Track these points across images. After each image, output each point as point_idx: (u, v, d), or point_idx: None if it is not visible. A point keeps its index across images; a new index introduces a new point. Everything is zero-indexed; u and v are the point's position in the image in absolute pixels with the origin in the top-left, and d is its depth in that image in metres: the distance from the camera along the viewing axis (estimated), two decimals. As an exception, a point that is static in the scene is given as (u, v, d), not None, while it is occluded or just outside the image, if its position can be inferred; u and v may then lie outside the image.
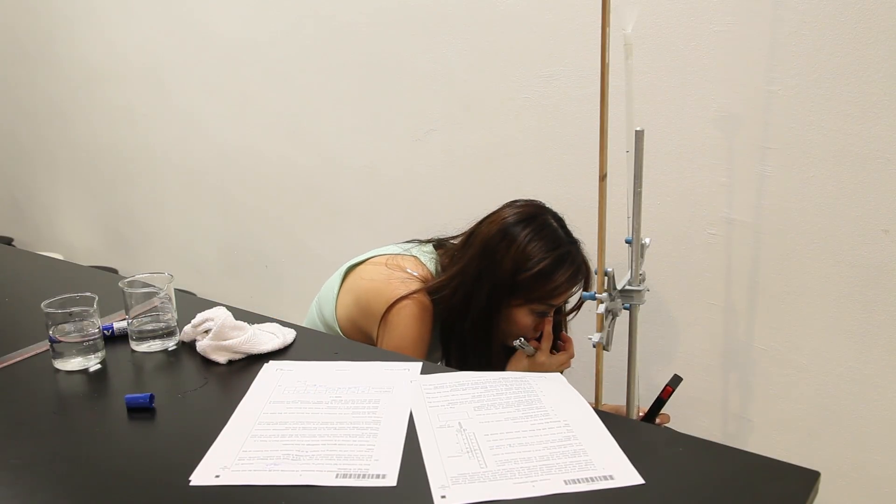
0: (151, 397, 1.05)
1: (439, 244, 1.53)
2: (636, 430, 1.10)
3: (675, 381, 1.36)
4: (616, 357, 1.41)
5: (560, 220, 1.44)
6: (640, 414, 1.45)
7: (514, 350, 1.46)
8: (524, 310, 1.39)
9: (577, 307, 1.51)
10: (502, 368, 1.44)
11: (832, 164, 1.49)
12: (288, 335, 1.26)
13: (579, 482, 0.86)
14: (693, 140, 1.65)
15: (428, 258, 1.49)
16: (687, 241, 1.71)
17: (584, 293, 1.34)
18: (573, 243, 1.42)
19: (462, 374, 1.14)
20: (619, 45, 1.31)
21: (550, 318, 1.43)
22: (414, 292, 1.40)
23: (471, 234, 1.45)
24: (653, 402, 1.39)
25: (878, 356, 1.54)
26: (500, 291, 1.38)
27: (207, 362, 1.19)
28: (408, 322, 1.38)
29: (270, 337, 1.23)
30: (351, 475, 0.88)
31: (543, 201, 1.47)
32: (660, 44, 1.63)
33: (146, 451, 0.97)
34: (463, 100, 1.99)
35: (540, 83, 1.84)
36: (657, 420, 1.42)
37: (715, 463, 0.93)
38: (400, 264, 1.45)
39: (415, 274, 1.43)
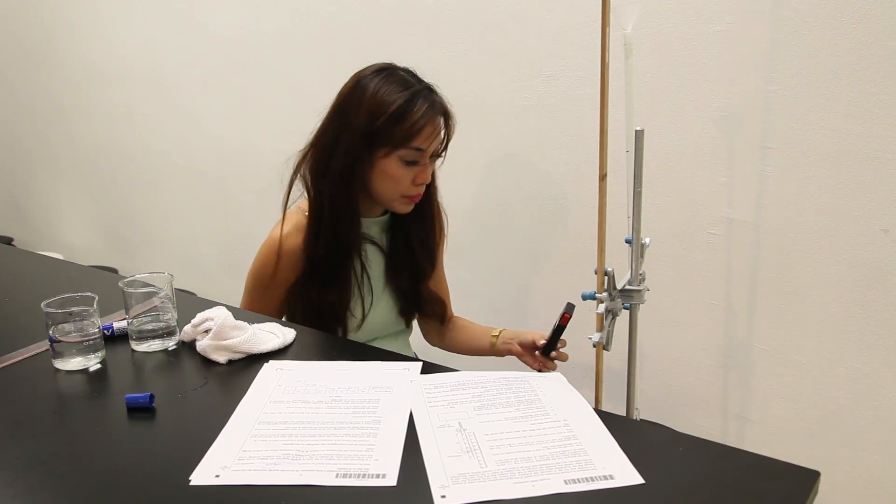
0: (151, 397, 1.05)
1: None
2: (636, 430, 1.10)
3: (570, 307, 1.29)
4: (616, 357, 1.41)
5: (410, 71, 1.42)
6: (540, 343, 1.36)
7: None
8: (392, 159, 1.36)
9: (445, 148, 1.44)
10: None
11: (832, 164, 1.49)
12: (288, 335, 1.26)
13: (579, 482, 0.87)
14: (693, 140, 1.65)
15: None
16: (687, 241, 1.71)
17: (584, 293, 1.33)
18: (426, 86, 1.40)
19: (462, 373, 1.14)
20: (619, 45, 1.31)
21: (427, 168, 1.40)
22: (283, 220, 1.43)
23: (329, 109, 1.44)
24: (552, 331, 1.32)
25: (878, 356, 1.54)
26: (359, 144, 1.35)
27: (207, 362, 1.19)
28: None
29: (270, 337, 1.23)
30: (351, 475, 0.88)
31: None
32: (660, 44, 1.64)
33: (146, 451, 0.97)
34: (463, 100, 1.99)
35: (540, 83, 1.84)
36: (554, 353, 1.34)
37: (715, 463, 0.93)
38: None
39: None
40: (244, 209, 2.66)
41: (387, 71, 1.39)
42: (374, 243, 1.48)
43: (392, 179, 1.38)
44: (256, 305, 1.46)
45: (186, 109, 2.72)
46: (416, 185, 1.40)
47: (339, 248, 1.41)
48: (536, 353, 1.35)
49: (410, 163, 1.37)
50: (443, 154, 1.44)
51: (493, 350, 1.49)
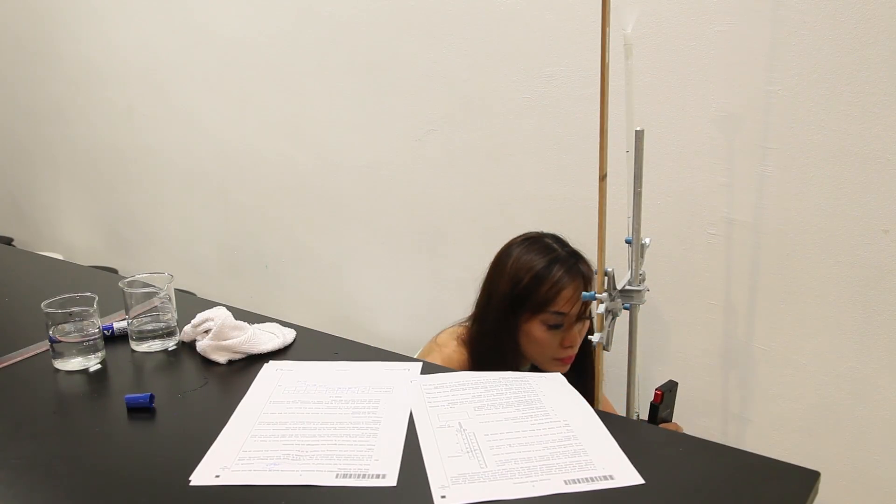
0: (151, 397, 1.05)
1: None
2: (636, 430, 1.10)
3: (668, 384, 1.35)
4: (616, 357, 1.41)
5: (557, 238, 1.49)
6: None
7: None
8: (535, 323, 1.41)
9: (587, 314, 1.48)
10: None
11: (832, 164, 1.49)
12: (288, 335, 1.26)
13: (579, 482, 0.87)
14: (693, 140, 1.65)
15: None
16: (687, 241, 1.71)
17: (584, 293, 1.34)
18: (570, 252, 1.45)
19: (462, 374, 1.14)
20: (619, 45, 1.31)
21: (573, 330, 1.43)
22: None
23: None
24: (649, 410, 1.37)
25: (878, 356, 1.54)
26: (504, 309, 1.41)
27: (207, 362, 1.19)
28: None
29: (270, 337, 1.23)
30: (351, 475, 0.88)
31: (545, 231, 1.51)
32: (660, 44, 1.63)
33: (146, 451, 0.97)
34: (463, 100, 1.99)
35: (540, 83, 1.84)
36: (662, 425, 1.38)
37: (715, 463, 0.93)
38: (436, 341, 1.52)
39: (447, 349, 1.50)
40: (244, 209, 2.66)
41: (532, 238, 1.48)
42: None
43: (538, 343, 1.42)
44: None
45: (186, 110, 2.71)
46: (566, 348, 1.43)
47: None
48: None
49: (554, 326, 1.41)
50: (587, 317, 1.46)
51: None
